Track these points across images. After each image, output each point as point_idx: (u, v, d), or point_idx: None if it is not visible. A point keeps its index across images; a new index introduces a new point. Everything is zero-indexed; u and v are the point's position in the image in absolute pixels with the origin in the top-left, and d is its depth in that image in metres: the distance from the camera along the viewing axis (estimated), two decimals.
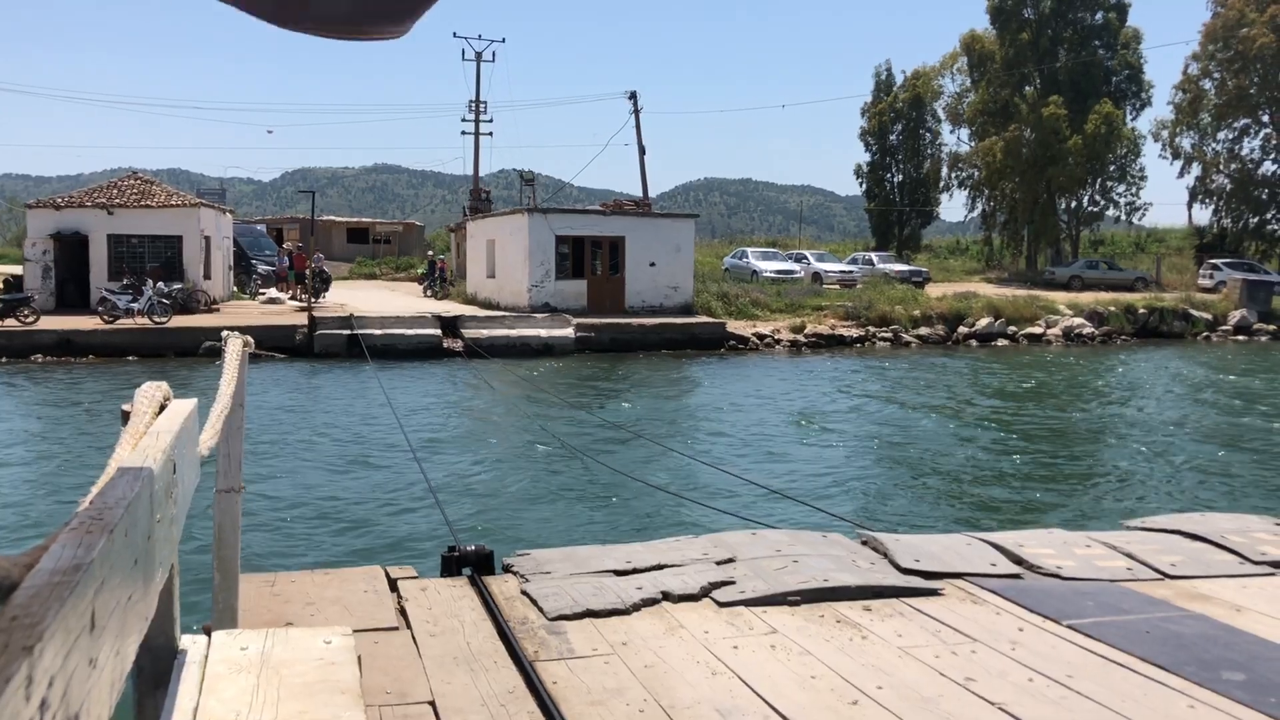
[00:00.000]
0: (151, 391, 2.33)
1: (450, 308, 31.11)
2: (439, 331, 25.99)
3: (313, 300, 28.81)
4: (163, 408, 2.38)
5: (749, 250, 46.94)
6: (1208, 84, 47.99)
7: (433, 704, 3.45)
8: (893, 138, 59.29)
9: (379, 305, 30.44)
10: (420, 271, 42.08)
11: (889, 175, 59.92)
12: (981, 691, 3.56)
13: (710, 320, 29.84)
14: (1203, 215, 53.06)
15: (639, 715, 3.37)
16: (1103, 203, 50.76)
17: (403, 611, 4.37)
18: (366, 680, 3.09)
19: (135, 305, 25.20)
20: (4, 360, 22.59)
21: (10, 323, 24.27)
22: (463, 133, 63.93)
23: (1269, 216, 48.78)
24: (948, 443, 15.02)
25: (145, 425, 2.15)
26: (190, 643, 2.49)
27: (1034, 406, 18.67)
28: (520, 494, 11.28)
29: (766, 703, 3.46)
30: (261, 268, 39.15)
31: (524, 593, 4.58)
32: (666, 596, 4.52)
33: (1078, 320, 32.42)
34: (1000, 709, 3.41)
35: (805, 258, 44.64)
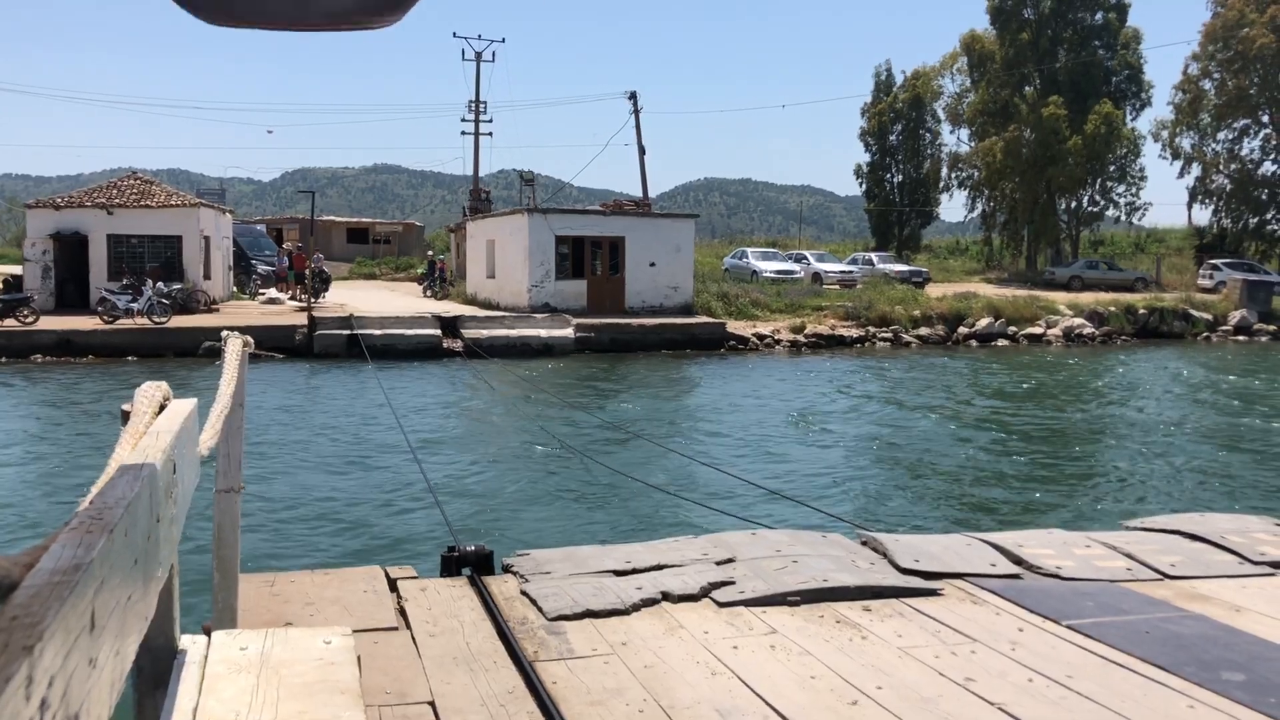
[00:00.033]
0: (151, 391, 2.33)
1: (450, 308, 31.11)
2: (439, 332, 25.99)
3: (312, 300, 28.80)
4: (162, 408, 2.38)
5: (749, 250, 46.95)
6: (1208, 84, 48.01)
7: (432, 704, 3.45)
8: (893, 138, 59.29)
9: (379, 305, 30.45)
10: (420, 272, 42.09)
11: (889, 175, 59.93)
12: (981, 692, 3.56)
13: (710, 320, 29.84)
14: (1202, 215, 53.19)
15: (638, 715, 3.37)
16: (1103, 203, 50.77)
17: (402, 612, 4.37)
18: (366, 680, 3.09)
19: (135, 305, 25.20)
20: (3, 360, 22.59)
21: (10, 323, 24.27)
22: (462, 133, 63.97)
23: (1269, 217, 48.80)
24: (947, 443, 15.02)
25: (145, 425, 2.15)
26: (190, 643, 2.49)
27: (1034, 407, 18.67)
28: (520, 494, 11.28)
29: (766, 703, 3.46)
30: (261, 268, 39.15)
31: (524, 593, 4.58)
32: (666, 597, 4.52)
33: (1078, 320, 32.42)
34: (1000, 709, 3.41)
35: (805, 258, 44.64)
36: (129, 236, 30.04)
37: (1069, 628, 4.19)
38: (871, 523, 9.27)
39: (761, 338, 29.05)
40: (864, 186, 61.15)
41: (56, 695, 1.01)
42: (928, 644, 4.02)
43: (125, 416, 2.21)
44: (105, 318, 24.74)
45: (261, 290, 36.28)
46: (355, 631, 2.96)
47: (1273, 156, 48.32)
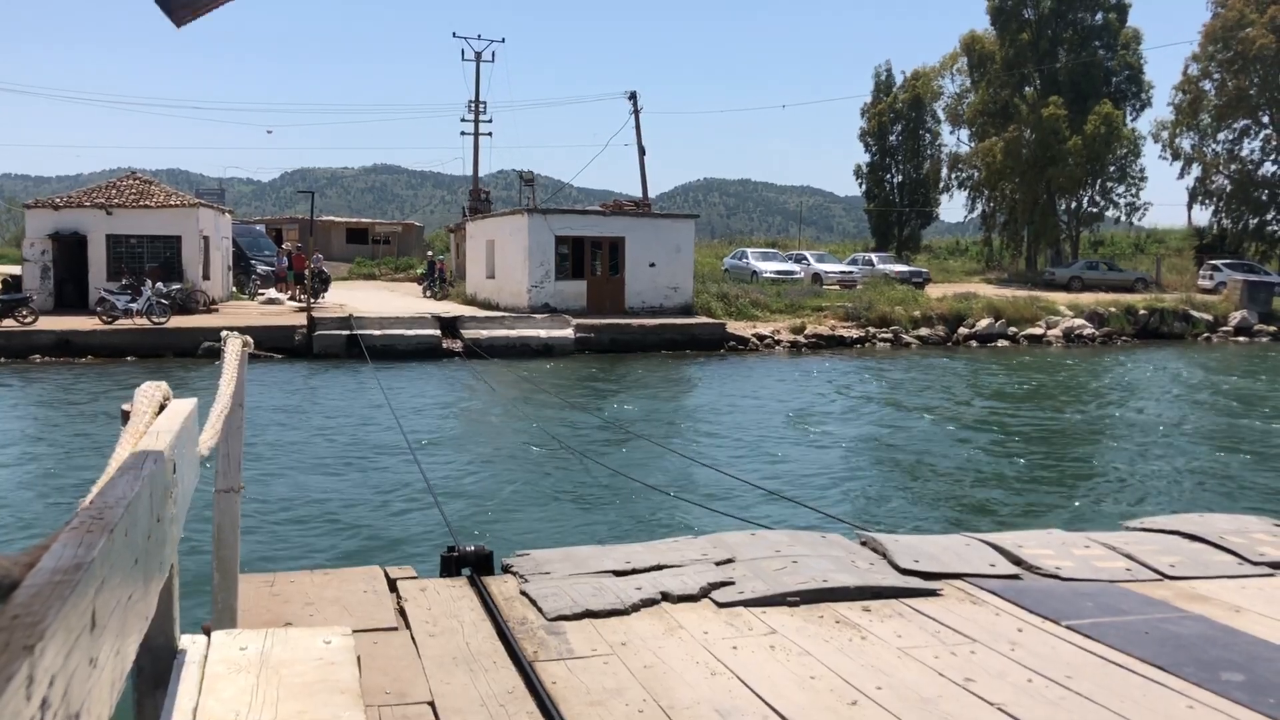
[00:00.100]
0: (151, 391, 2.34)
1: (450, 308, 31.11)
2: (438, 332, 25.99)
3: (312, 300, 28.80)
4: (162, 408, 2.38)
5: (749, 251, 46.96)
6: (1208, 85, 48.03)
7: (432, 704, 3.45)
8: (892, 138, 59.30)
9: (378, 306, 30.45)
10: (419, 272, 42.09)
11: (889, 176, 59.94)
12: (981, 692, 3.56)
13: (710, 321, 29.84)
14: (1202, 216, 53.20)
15: (638, 715, 3.38)
16: (1102, 203, 50.78)
17: (402, 612, 4.37)
18: (366, 680, 3.10)
19: (134, 305, 25.20)
20: (2, 360, 22.59)
21: (9, 323, 24.26)
22: (462, 133, 63.98)
23: (1269, 217, 48.82)
24: (947, 443, 15.03)
25: (145, 425, 2.16)
26: (190, 642, 2.49)
27: (1034, 407, 18.68)
28: (519, 495, 11.28)
29: (766, 703, 3.46)
30: (260, 268, 39.15)
31: (523, 593, 4.58)
32: (666, 597, 4.52)
33: (1078, 321, 32.43)
34: (999, 709, 3.41)
35: (805, 258, 44.65)
36: (128, 236, 30.04)
37: (1068, 628, 4.19)
38: (871, 523, 9.27)
39: (761, 338, 29.05)
40: (864, 187, 61.18)
41: (57, 694, 1.01)
42: (927, 644, 4.02)
43: (125, 416, 2.21)
44: (104, 318, 24.73)
45: (261, 290, 36.28)
46: (355, 631, 2.96)
47: (1273, 157, 48.37)
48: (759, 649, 3.96)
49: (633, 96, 45.31)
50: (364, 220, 69.77)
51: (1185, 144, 50.11)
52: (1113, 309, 33.50)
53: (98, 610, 1.24)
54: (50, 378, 20.52)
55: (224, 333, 3.92)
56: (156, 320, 24.76)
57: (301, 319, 25.76)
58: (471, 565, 4.92)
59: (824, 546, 5.24)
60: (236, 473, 3.82)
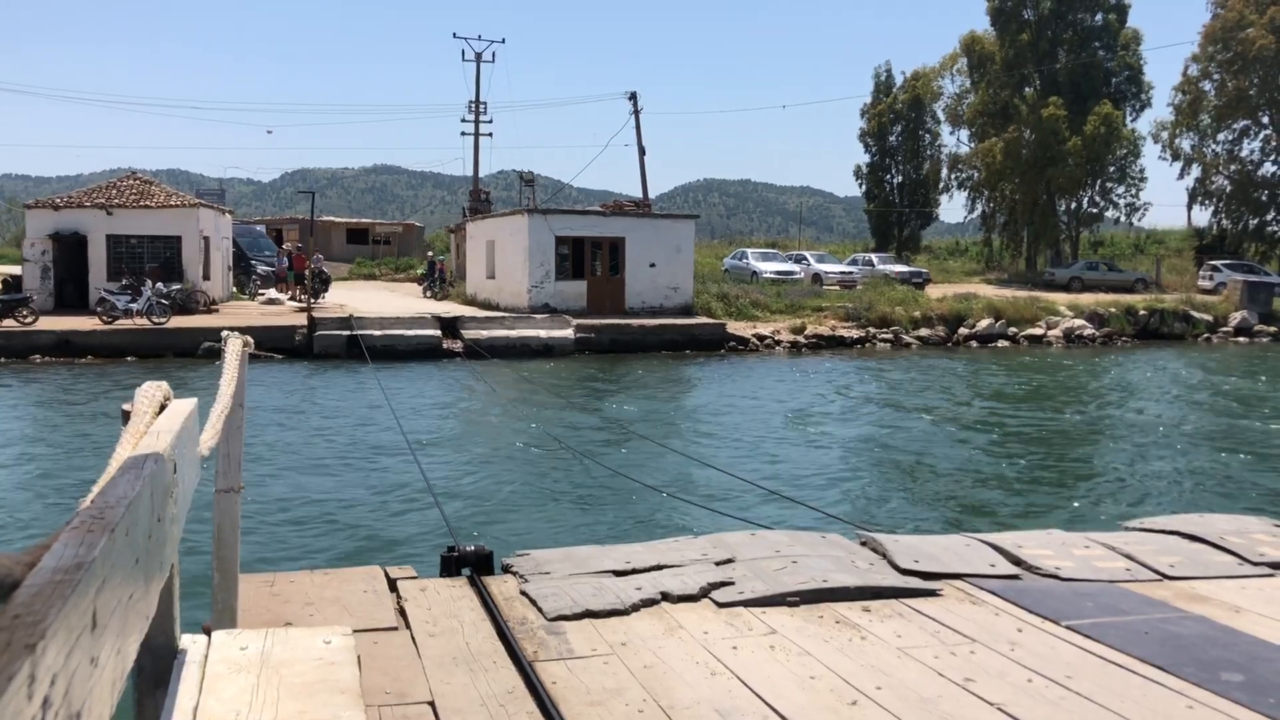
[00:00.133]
0: (152, 391, 2.34)
1: (450, 308, 31.12)
2: (439, 332, 26.00)
3: (312, 301, 28.81)
4: (163, 407, 2.38)
5: (749, 251, 46.96)
6: (1207, 85, 48.04)
7: (432, 704, 3.46)
8: (892, 139, 59.30)
9: (378, 306, 30.45)
10: (420, 272, 42.10)
11: (888, 176, 59.94)
12: (981, 692, 3.56)
13: (710, 321, 29.84)
14: (1202, 217, 53.19)
15: (638, 715, 3.38)
16: (1102, 204, 50.80)
17: (402, 612, 4.37)
18: (366, 680, 3.10)
19: (134, 306, 25.21)
20: (2, 360, 22.59)
21: (9, 323, 24.26)
22: (462, 133, 63.98)
23: (1269, 218, 48.83)
24: (947, 444, 15.03)
25: (146, 425, 2.16)
26: (190, 642, 2.49)
27: (1034, 408, 18.68)
28: (519, 494, 11.28)
29: (766, 703, 3.46)
30: (261, 268, 39.16)
31: (523, 593, 4.58)
32: (666, 597, 4.53)
33: (1078, 322, 32.44)
34: (999, 709, 3.42)
35: (805, 258, 44.66)
36: (128, 237, 30.05)
37: (1068, 628, 4.20)
38: (871, 523, 9.27)
39: (761, 338, 29.05)
40: (864, 187, 61.18)
41: (59, 694, 1.01)
42: (927, 644, 4.02)
43: (126, 416, 2.21)
44: (104, 318, 24.74)
45: (261, 291, 36.29)
46: (355, 631, 2.96)
47: (1273, 158, 48.38)
48: (759, 649, 3.97)
49: (633, 97, 45.35)
50: (364, 221, 69.78)
51: (1185, 144, 50.18)
52: (1113, 309, 33.51)
53: (99, 610, 1.24)
54: (50, 378, 20.52)
55: (224, 333, 3.92)
56: (156, 320, 24.77)
57: (302, 319, 25.76)
58: (471, 565, 4.92)
59: (824, 546, 5.24)
60: (236, 473, 3.83)
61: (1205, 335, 33.63)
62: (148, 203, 30.41)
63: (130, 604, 1.52)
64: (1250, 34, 44.85)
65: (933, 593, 4.66)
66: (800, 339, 29.38)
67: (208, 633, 2.63)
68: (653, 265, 31.17)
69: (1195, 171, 50.08)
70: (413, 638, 4.06)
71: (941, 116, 58.15)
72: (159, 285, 26.02)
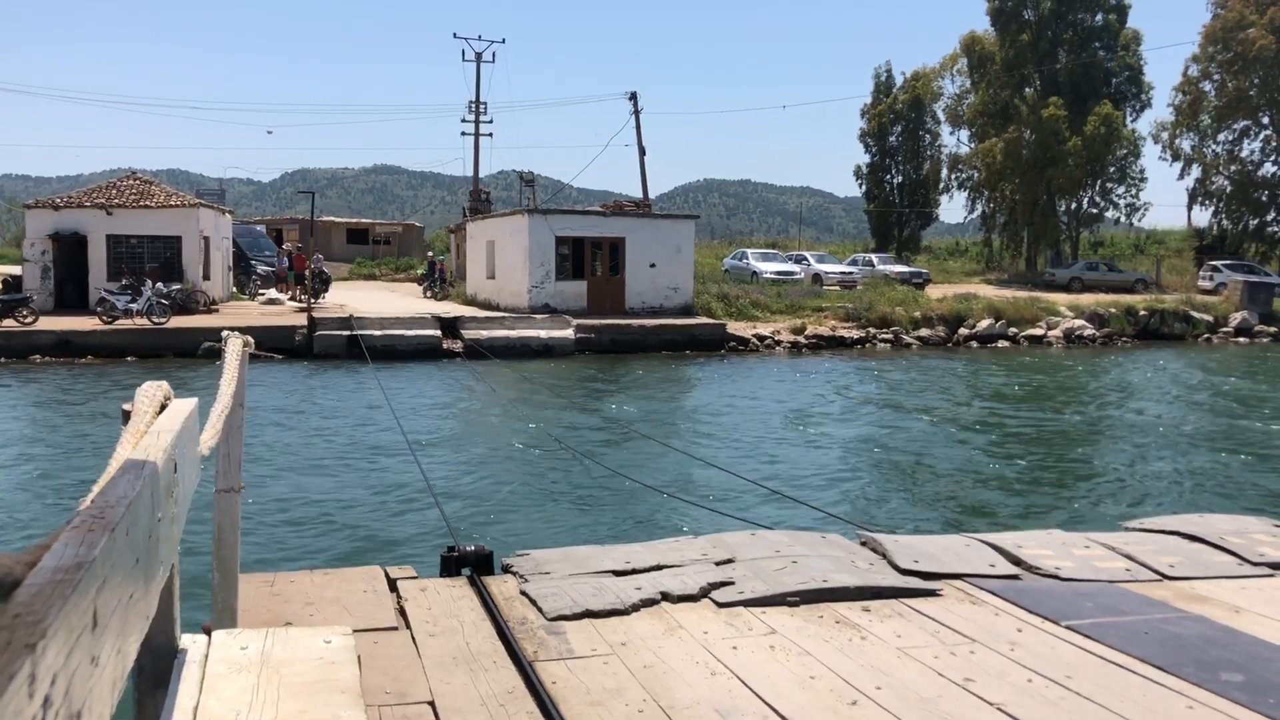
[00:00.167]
0: (152, 391, 2.34)
1: (450, 308, 31.12)
2: (439, 332, 26.00)
3: (312, 301, 28.81)
4: (163, 407, 2.38)
5: (749, 251, 46.96)
6: (1208, 86, 48.05)
7: (432, 704, 3.46)
8: (892, 139, 59.31)
9: (378, 306, 30.45)
10: (420, 272, 42.10)
11: (888, 176, 59.95)
12: (980, 692, 3.56)
13: (710, 321, 29.85)
14: (1202, 217, 53.20)
15: (638, 715, 3.38)
16: (1102, 204, 50.80)
17: (402, 611, 4.37)
18: (366, 680, 3.10)
19: (134, 306, 25.21)
20: (2, 360, 22.59)
21: (9, 323, 24.27)
22: (463, 133, 63.95)
23: (1269, 218, 48.84)
24: (947, 444, 15.03)
25: (146, 424, 2.16)
26: (190, 642, 2.49)
27: (1034, 408, 18.68)
28: (519, 495, 11.28)
29: (765, 703, 3.46)
30: (261, 268, 39.17)
31: (523, 593, 4.58)
32: (666, 597, 4.53)
33: (1078, 322, 32.44)
34: (999, 709, 3.42)
35: (805, 259, 44.67)
36: (128, 237, 30.05)
37: (1068, 628, 4.20)
38: (871, 523, 9.27)
39: (762, 339, 29.06)
40: (864, 188, 61.19)
41: (59, 693, 1.01)
42: (927, 644, 4.03)
43: (126, 416, 2.21)
44: (104, 318, 24.74)
45: (261, 291, 36.30)
46: (355, 631, 2.96)
47: (1273, 158, 48.38)
48: (759, 649, 3.97)
49: (633, 97, 45.35)
50: (364, 221, 69.78)
51: (1185, 145, 50.19)
52: (1113, 310, 33.51)
53: (99, 609, 1.24)
54: (50, 378, 20.52)
55: (224, 333, 3.92)
56: (156, 320, 24.77)
57: (302, 319, 25.77)
58: (471, 565, 4.92)
59: (824, 546, 5.24)
60: (237, 473, 3.83)
61: (1205, 335, 33.63)
62: (148, 203, 30.42)
63: (130, 604, 1.52)
64: (1250, 34, 44.85)
65: (933, 593, 4.66)
66: (800, 339, 29.38)
67: (208, 633, 2.63)
68: (653, 265, 31.18)
69: (1195, 172, 50.13)
70: (413, 638, 4.06)
71: (941, 117, 58.23)
72: (159, 285, 26.02)
